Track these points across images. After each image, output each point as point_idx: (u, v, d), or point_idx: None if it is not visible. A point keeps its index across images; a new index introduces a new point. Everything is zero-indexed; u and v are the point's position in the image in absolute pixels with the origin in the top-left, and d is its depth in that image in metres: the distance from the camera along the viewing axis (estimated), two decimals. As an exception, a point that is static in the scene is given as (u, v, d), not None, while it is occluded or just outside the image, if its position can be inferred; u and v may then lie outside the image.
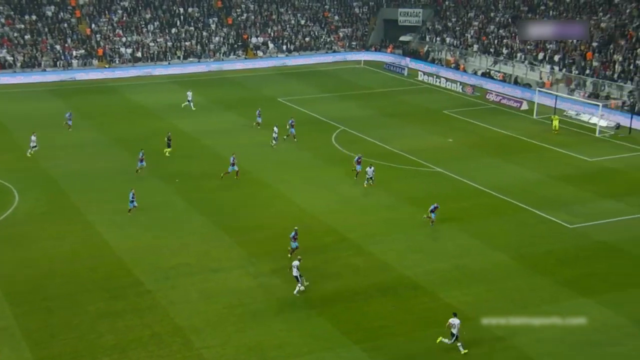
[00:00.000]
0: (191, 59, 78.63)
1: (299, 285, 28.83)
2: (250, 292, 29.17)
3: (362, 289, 29.38)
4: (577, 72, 62.79)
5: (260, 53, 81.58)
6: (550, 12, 73.52)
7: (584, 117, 56.07)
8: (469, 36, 77.34)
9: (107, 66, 75.09)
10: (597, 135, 51.89)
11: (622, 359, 24.64)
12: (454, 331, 24.79)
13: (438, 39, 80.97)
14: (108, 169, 44.36)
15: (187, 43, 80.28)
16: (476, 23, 79.06)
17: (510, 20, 75.98)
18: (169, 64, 77.20)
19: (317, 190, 40.65)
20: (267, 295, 28.88)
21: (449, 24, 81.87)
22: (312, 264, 31.45)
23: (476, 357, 24.85)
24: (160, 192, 40.50)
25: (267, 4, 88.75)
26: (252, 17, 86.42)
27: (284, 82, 72.00)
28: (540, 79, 65.30)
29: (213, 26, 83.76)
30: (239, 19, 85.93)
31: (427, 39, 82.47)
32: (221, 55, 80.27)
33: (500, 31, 75.07)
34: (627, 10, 66.82)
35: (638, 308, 27.33)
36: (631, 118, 52.84)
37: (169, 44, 79.65)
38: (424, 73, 73.19)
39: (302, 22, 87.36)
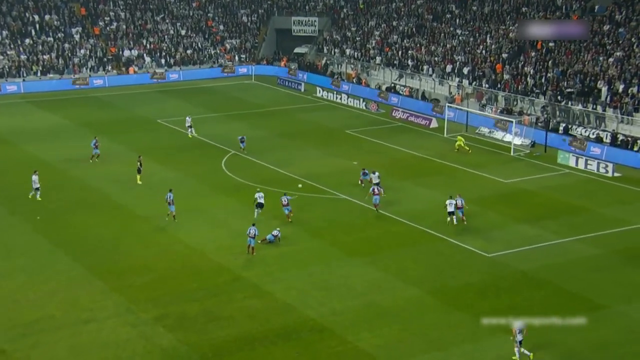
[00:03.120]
0: (51, 75, 76.47)
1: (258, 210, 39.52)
2: (129, 344, 28.31)
3: (261, 335, 29.10)
4: (487, 85, 65.44)
5: (134, 68, 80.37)
6: (457, 21, 76.59)
7: (497, 135, 58.33)
8: (371, 47, 79.29)
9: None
10: (511, 154, 54.09)
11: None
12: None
13: (337, 50, 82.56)
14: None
15: (46, 56, 78.06)
16: (377, 32, 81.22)
17: (414, 29, 78.54)
18: (23, 80, 74.75)
19: (204, 223, 40.17)
20: (149, 347, 28.11)
21: (348, 34, 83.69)
22: (201, 308, 30.95)
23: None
24: (18, 231, 38.92)
25: (140, 11, 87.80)
26: (124, 26, 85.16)
27: (163, 100, 71.12)
28: (450, 93, 67.58)
29: (77, 37, 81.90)
30: (107, 28, 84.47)
31: (325, 50, 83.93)
32: (88, 70, 78.52)
33: (405, 41, 77.39)
34: (536, 19, 70.39)
35: (561, 341, 28.42)
36: (546, 135, 55.35)
37: (23, 57, 77.18)
38: (323, 89, 74.16)
39: (183, 32, 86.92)
